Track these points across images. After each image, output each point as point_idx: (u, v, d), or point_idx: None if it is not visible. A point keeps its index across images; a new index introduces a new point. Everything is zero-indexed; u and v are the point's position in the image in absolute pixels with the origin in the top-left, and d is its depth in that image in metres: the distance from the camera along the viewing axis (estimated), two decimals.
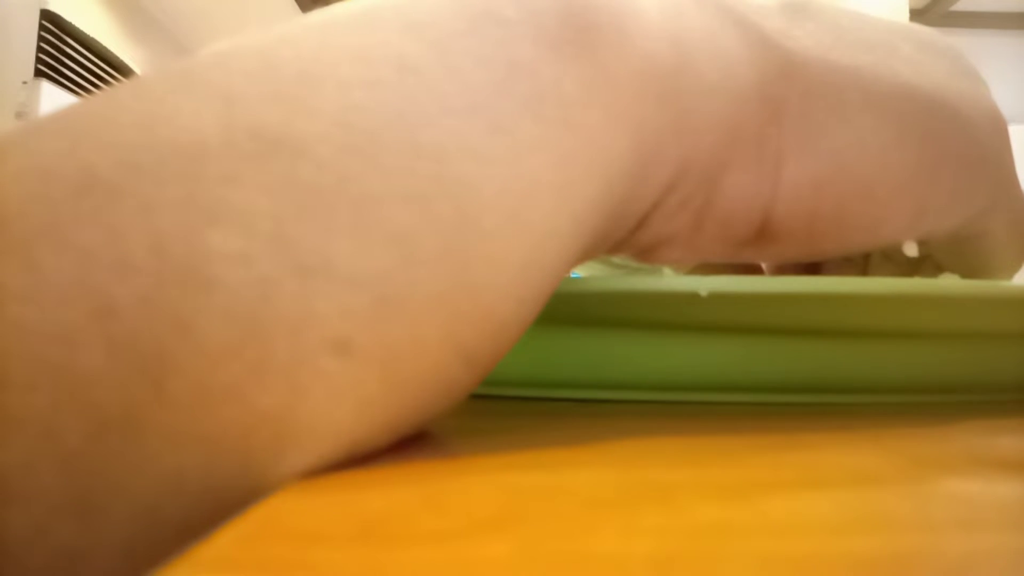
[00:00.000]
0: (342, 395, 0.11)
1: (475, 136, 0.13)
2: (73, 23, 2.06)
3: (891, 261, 0.25)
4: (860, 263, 0.26)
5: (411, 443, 0.13)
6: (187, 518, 0.10)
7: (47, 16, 1.99)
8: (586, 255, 0.16)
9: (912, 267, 0.25)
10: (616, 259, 0.33)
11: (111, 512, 0.10)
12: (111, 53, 2.24)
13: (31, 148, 0.11)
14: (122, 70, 2.29)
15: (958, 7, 2.59)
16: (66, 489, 0.10)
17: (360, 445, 0.12)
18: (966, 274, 0.23)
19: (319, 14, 0.14)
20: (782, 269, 0.27)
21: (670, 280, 0.18)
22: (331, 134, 0.12)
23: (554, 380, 0.22)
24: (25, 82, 1.94)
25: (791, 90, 0.18)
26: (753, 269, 0.27)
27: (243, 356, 0.10)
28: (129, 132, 0.11)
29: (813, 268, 0.26)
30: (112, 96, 0.12)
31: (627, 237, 0.18)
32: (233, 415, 0.10)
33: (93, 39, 2.16)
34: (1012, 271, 0.24)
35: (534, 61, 0.14)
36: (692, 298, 0.18)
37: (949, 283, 0.19)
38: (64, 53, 2.04)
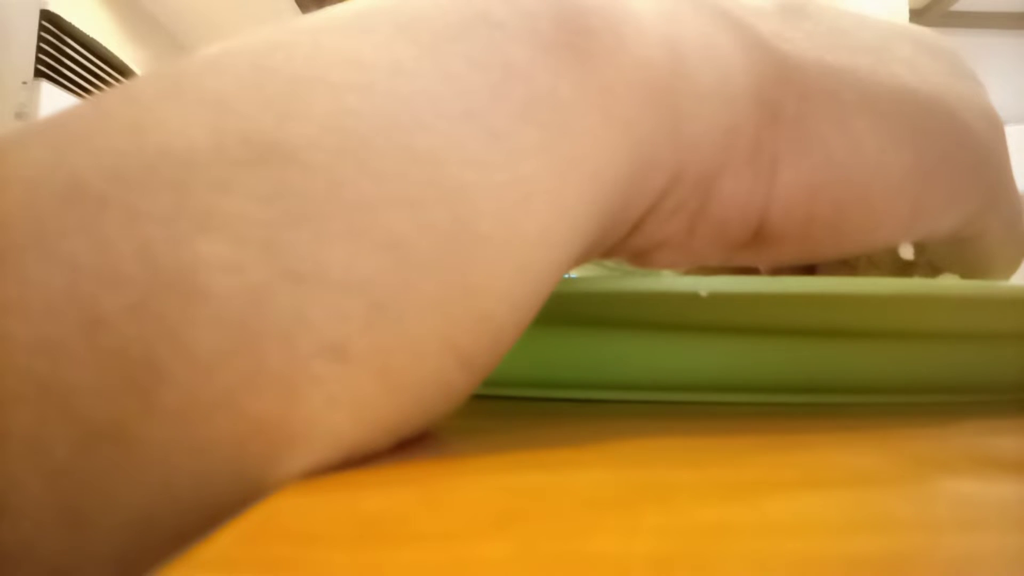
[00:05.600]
0: (338, 400, 0.11)
1: (470, 141, 0.13)
2: (73, 23, 2.06)
3: (877, 268, 0.25)
4: (854, 265, 0.26)
5: (411, 443, 0.13)
6: (180, 527, 0.10)
7: (47, 16, 1.98)
8: (581, 259, 0.16)
9: (901, 273, 0.25)
10: (610, 263, 0.33)
11: (101, 524, 0.10)
12: (111, 53, 2.24)
13: (17, 157, 0.11)
14: (122, 70, 2.28)
15: (958, 7, 2.59)
16: (54, 502, 0.10)
17: (358, 449, 0.12)
18: (965, 275, 0.23)
19: (312, 17, 0.14)
20: (778, 271, 0.27)
21: (670, 281, 0.18)
22: (323, 139, 0.12)
23: (554, 380, 0.22)
24: (25, 82, 1.94)
25: (787, 93, 0.18)
26: (749, 271, 0.27)
27: (236, 364, 0.10)
28: (117, 139, 0.11)
29: (808, 271, 0.26)
30: (101, 102, 0.12)
31: (622, 241, 0.18)
32: (226, 423, 0.10)
33: (93, 39, 2.16)
34: (1010, 271, 0.24)
35: (529, 65, 0.14)
36: (692, 298, 0.18)
37: (949, 283, 0.19)
38: (64, 53, 2.04)
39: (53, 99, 1.96)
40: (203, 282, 0.10)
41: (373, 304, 0.11)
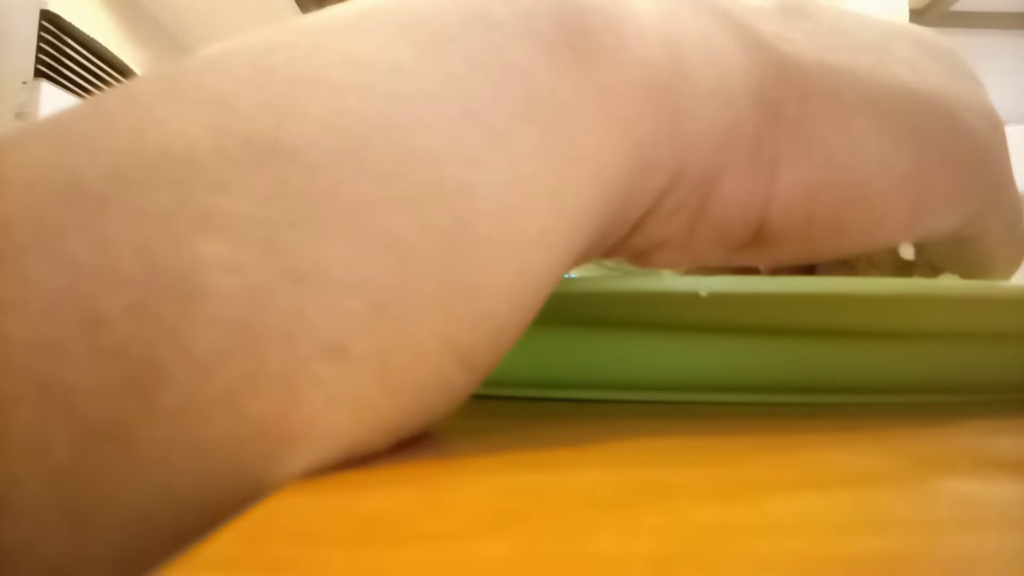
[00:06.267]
0: (338, 400, 0.11)
1: (470, 141, 0.13)
2: (73, 23, 2.06)
3: (877, 268, 0.25)
4: (854, 265, 0.26)
5: (410, 443, 0.13)
6: (180, 527, 0.10)
7: (47, 16, 1.98)
8: (581, 259, 0.16)
9: (901, 273, 0.25)
10: (609, 263, 0.33)
11: (102, 524, 0.10)
12: (111, 53, 2.24)
13: (17, 157, 0.11)
14: (122, 70, 2.28)
15: (958, 7, 2.58)
16: (55, 502, 0.10)
17: (358, 449, 0.12)
18: (965, 275, 0.23)
19: (312, 17, 0.14)
20: (778, 271, 0.27)
21: (670, 280, 0.18)
22: (323, 139, 0.12)
23: (554, 380, 0.22)
24: (25, 82, 1.94)
25: (787, 94, 0.18)
26: (749, 271, 0.27)
27: (236, 364, 0.10)
28: (118, 139, 0.11)
29: (808, 271, 0.26)
30: (101, 102, 0.12)
31: (622, 241, 0.18)
32: (226, 423, 0.10)
33: (93, 39, 2.16)
34: (1010, 271, 0.24)
35: (529, 65, 0.14)
36: (692, 298, 0.18)
37: (949, 283, 0.19)
38: (64, 53, 2.04)
39: (53, 99, 1.96)
40: (203, 282, 0.10)
41: (373, 304, 0.11)
